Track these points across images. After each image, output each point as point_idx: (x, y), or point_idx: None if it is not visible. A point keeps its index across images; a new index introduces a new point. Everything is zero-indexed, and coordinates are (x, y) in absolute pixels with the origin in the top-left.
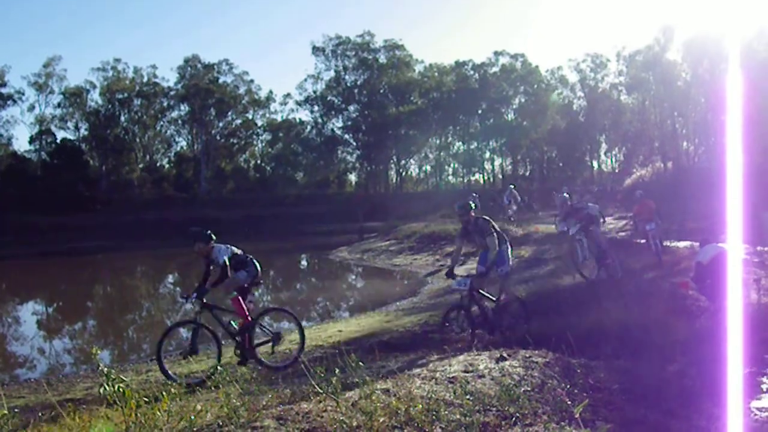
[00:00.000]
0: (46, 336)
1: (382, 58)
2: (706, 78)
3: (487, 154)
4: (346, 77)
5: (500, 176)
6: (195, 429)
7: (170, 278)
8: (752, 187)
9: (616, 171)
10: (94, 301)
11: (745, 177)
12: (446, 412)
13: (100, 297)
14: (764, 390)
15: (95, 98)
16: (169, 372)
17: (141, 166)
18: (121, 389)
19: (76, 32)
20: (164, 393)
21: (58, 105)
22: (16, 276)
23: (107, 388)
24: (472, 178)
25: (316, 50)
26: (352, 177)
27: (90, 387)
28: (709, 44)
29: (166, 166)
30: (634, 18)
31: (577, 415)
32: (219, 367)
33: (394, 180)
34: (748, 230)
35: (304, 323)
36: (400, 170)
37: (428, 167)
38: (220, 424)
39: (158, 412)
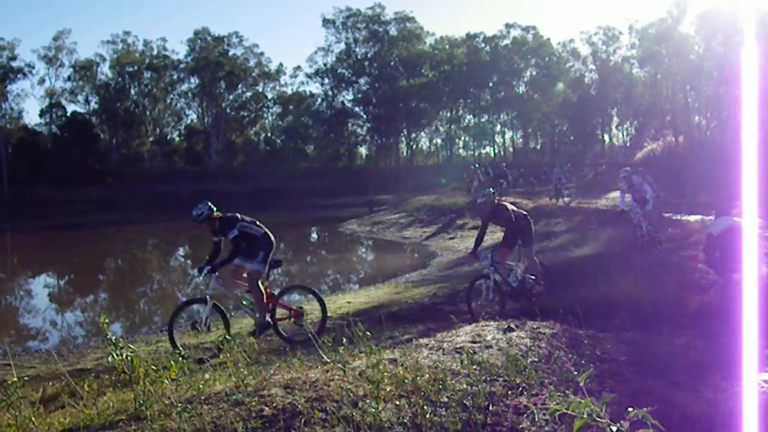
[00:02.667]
0: (58, 309)
1: (393, 31)
2: (720, 51)
3: (498, 128)
4: (357, 50)
5: (511, 149)
6: (203, 397)
7: (180, 251)
8: (765, 161)
9: (628, 145)
10: (106, 273)
11: (760, 151)
12: (453, 382)
13: (111, 270)
14: None
15: (105, 71)
16: (177, 344)
17: (151, 139)
18: (129, 358)
19: (86, 5)
20: (173, 362)
21: (68, 78)
22: (28, 249)
23: (115, 356)
24: (483, 152)
25: (326, 22)
26: (363, 150)
27: (100, 357)
28: (722, 17)
29: (177, 139)
30: None
31: (582, 384)
32: (227, 338)
33: (405, 153)
34: (762, 205)
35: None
36: (411, 143)
37: (439, 140)
38: (228, 392)
39: (166, 381)
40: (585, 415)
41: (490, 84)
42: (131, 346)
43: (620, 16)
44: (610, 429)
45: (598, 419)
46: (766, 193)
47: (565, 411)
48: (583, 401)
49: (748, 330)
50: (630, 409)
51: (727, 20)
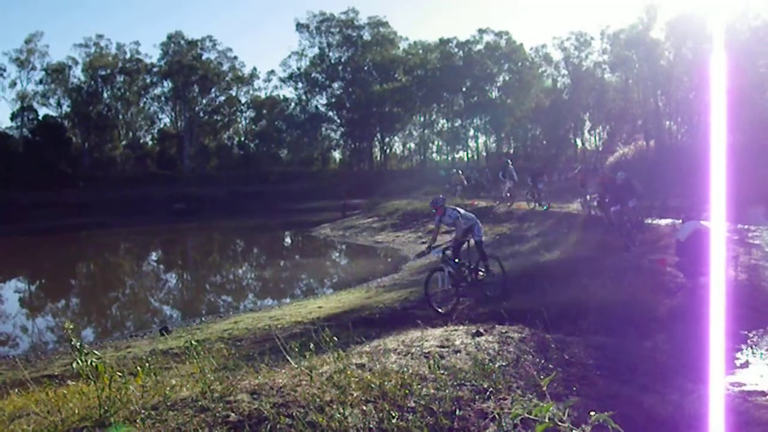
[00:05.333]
0: (29, 314)
1: (367, 35)
2: (689, 57)
3: (471, 132)
4: (330, 54)
5: (484, 154)
6: (169, 403)
7: (153, 255)
8: (734, 165)
9: (600, 149)
10: (78, 278)
11: (729, 155)
12: (420, 387)
13: (83, 275)
14: (739, 365)
15: (77, 75)
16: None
17: (124, 143)
18: (93, 363)
19: (58, 9)
20: (139, 368)
21: (40, 81)
22: None
23: (80, 362)
24: (456, 156)
25: (300, 27)
26: (336, 154)
27: (68, 363)
28: (692, 24)
29: (149, 143)
30: None
31: (544, 388)
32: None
33: (378, 157)
34: (731, 208)
35: (285, 300)
36: (384, 148)
37: (412, 145)
38: (195, 398)
39: (132, 387)
40: (546, 419)
41: (464, 89)
42: (96, 352)
43: (592, 22)
44: None
45: (559, 423)
46: (735, 196)
47: (527, 416)
48: (545, 405)
49: (714, 333)
50: (592, 413)
51: (696, 27)
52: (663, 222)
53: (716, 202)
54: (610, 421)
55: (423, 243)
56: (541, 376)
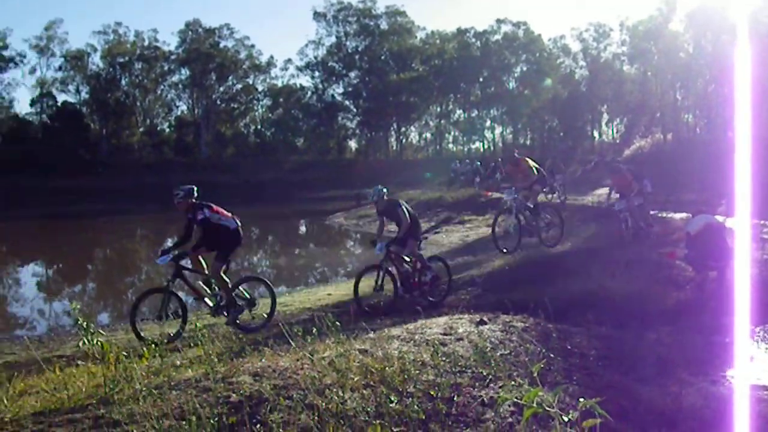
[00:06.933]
0: (46, 297)
1: (384, 25)
2: (709, 50)
3: (488, 123)
4: (347, 43)
5: (500, 145)
6: (172, 383)
7: (169, 242)
8: (753, 159)
9: (617, 142)
10: (94, 263)
11: (748, 150)
12: (420, 373)
13: (100, 260)
14: (743, 359)
15: (96, 62)
16: (141, 334)
17: (141, 130)
18: (100, 344)
19: None
20: (145, 349)
21: (60, 68)
22: (17, 238)
23: (87, 342)
24: (473, 147)
25: (317, 15)
26: (352, 143)
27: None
28: (712, 15)
29: (167, 130)
30: None
31: (535, 374)
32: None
33: (394, 147)
34: (747, 203)
35: (298, 287)
36: (400, 137)
37: (428, 135)
38: (198, 379)
39: (137, 367)
40: (535, 404)
41: (481, 79)
42: (102, 332)
43: (611, 13)
44: (561, 418)
45: (548, 408)
46: (753, 191)
47: (516, 401)
48: (533, 391)
49: (720, 327)
50: (581, 399)
51: (716, 19)
52: (677, 216)
53: (733, 196)
54: (597, 408)
55: (436, 233)
56: (542, 365)
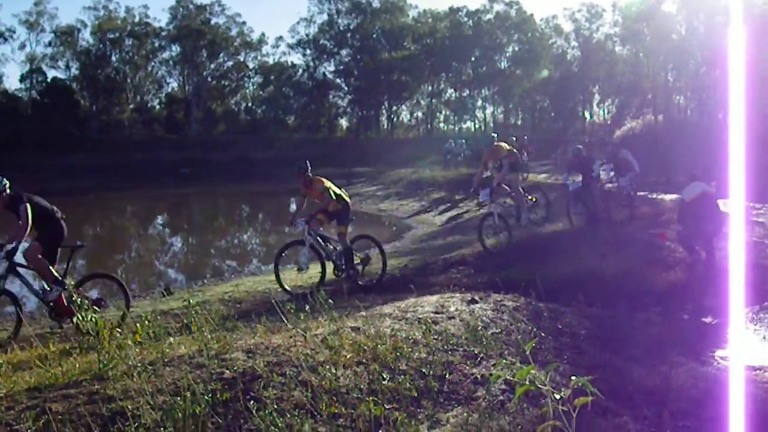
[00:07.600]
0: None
1: (376, 3)
2: (701, 31)
3: (479, 102)
4: (339, 21)
5: (491, 124)
6: (166, 360)
7: (159, 219)
8: (746, 141)
9: (608, 123)
10: (84, 240)
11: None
12: (412, 350)
13: (90, 237)
14: (732, 340)
15: (86, 37)
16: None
17: (131, 106)
18: (94, 320)
19: None
20: (138, 326)
21: (49, 44)
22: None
23: (80, 319)
24: (464, 126)
25: None
26: (343, 122)
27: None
28: None
29: (157, 107)
30: None
31: (527, 353)
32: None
33: (385, 126)
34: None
35: (289, 265)
36: (392, 116)
37: (419, 114)
38: (191, 355)
39: (131, 343)
40: (527, 382)
41: (472, 58)
42: (97, 308)
43: None
44: (553, 395)
45: (540, 386)
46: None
47: (509, 378)
48: (525, 369)
49: (707, 308)
50: (573, 378)
51: (709, 0)
52: (668, 197)
53: (724, 179)
54: (588, 385)
55: (427, 212)
56: (533, 344)
